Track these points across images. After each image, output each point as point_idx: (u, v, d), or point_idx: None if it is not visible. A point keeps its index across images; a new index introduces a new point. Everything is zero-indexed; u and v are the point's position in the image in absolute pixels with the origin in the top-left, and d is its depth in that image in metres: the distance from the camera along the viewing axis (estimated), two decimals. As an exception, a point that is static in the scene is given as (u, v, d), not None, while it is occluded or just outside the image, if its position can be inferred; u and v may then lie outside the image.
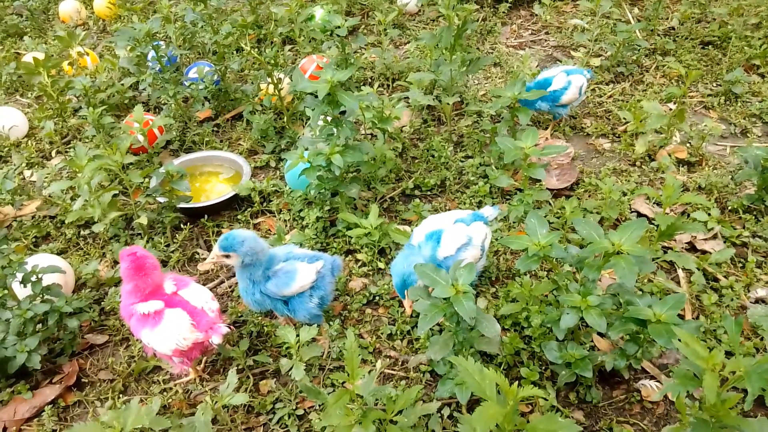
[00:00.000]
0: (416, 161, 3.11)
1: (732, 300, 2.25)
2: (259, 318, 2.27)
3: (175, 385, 2.07)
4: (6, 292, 2.08)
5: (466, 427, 1.58)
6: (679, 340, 1.47)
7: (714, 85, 3.61)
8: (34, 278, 2.08)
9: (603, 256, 1.81)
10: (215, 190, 2.98)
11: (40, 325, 2.12)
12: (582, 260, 1.92)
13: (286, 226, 2.73)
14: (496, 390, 1.46)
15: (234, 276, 2.53)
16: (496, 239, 2.59)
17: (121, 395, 2.04)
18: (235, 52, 3.91)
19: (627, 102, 3.50)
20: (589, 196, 2.83)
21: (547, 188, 2.67)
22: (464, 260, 2.01)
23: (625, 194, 2.79)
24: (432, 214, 2.46)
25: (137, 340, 2.09)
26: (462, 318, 1.79)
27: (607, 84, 3.72)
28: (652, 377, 2.05)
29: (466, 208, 2.78)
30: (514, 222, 2.65)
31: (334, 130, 2.46)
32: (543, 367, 2.06)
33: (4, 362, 2.00)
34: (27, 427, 1.97)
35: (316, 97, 2.34)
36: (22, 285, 2.07)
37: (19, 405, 2.00)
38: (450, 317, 1.79)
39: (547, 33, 4.45)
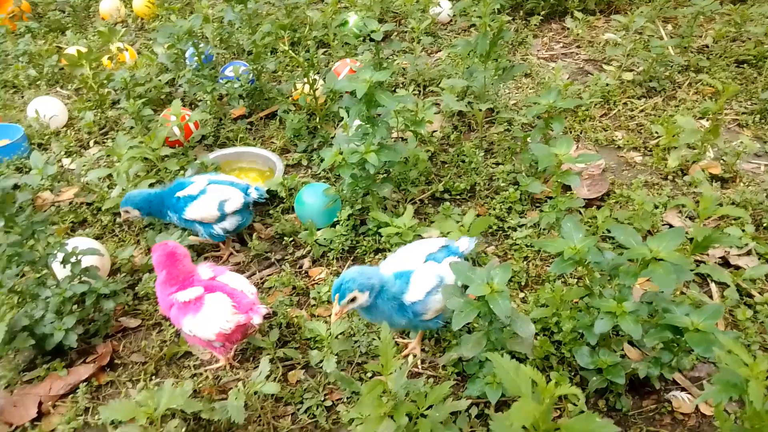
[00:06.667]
0: (446, 166, 3.12)
1: (767, 317, 2.22)
2: (289, 310, 2.29)
3: (205, 371, 2.10)
4: (46, 271, 2.13)
5: (497, 425, 1.57)
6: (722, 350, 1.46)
7: (749, 103, 3.58)
8: (73, 259, 2.12)
9: (640, 263, 1.80)
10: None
11: (76, 306, 2.16)
12: (617, 266, 1.92)
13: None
14: (531, 388, 1.46)
15: (266, 268, 2.56)
16: (527, 245, 2.59)
17: (153, 377, 2.07)
18: (269, 53, 3.99)
19: (659, 117, 3.49)
20: (620, 208, 2.81)
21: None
22: (433, 304, 1.89)
23: (656, 207, 2.78)
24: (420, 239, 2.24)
25: (178, 329, 2.11)
26: (495, 318, 1.81)
27: (639, 98, 3.71)
28: (683, 389, 2.02)
29: (495, 213, 2.79)
30: (544, 229, 2.65)
31: (370, 129, 2.49)
32: (572, 373, 2.05)
33: (42, 339, 2.05)
34: (61, 403, 2.00)
35: (354, 96, 2.38)
36: (61, 265, 2.12)
37: (54, 382, 2.04)
38: (483, 316, 1.80)
39: (578, 47, 4.46)
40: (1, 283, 2.04)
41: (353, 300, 1.79)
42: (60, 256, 2.10)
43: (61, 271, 2.19)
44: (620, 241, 1.84)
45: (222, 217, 2.44)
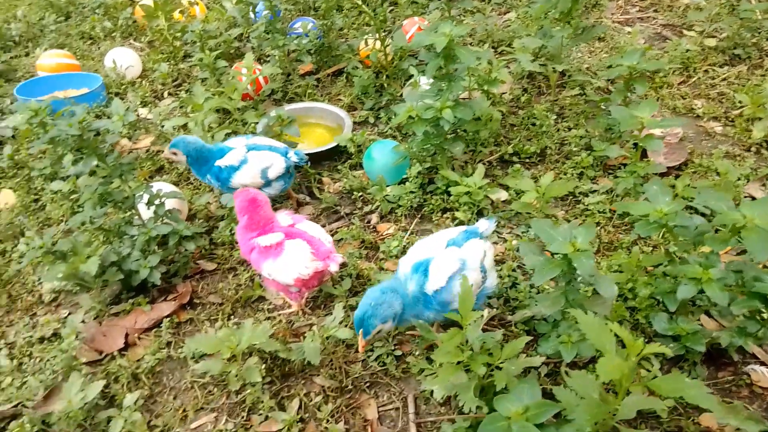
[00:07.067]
0: (515, 128, 3.06)
1: None
2: (359, 262, 2.33)
3: (279, 315, 2.17)
4: (133, 211, 2.22)
5: (575, 381, 1.57)
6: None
7: None
8: (157, 201, 2.21)
9: (730, 229, 1.74)
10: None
11: (157, 247, 2.26)
12: (702, 233, 1.85)
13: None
14: (615, 346, 1.45)
15: (335, 221, 2.60)
16: (599, 211, 2.53)
17: (230, 318, 2.16)
18: (336, 11, 3.97)
19: (743, 86, 3.30)
20: (700, 177, 2.70)
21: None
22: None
23: (738, 179, 2.66)
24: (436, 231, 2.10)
25: (257, 272, 2.18)
26: (574, 277, 1.79)
27: (721, 66, 3.51)
28: (762, 363, 1.96)
29: (566, 179, 2.74)
30: (617, 195, 2.58)
31: (445, 85, 2.46)
32: (646, 340, 2.01)
33: (129, 275, 2.15)
34: (145, 336, 2.12)
35: (432, 50, 2.34)
36: (146, 206, 2.21)
37: (139, 316, 2.15)
38: (563, 275, 1.78)
39: (655, 11, 4.25)
40: (91, 220, 2.15)
41: (379, 331, 1.75)
42: (145, 197, 2.19)
43: (144, 212, 2.29)
44: (710, 207, 1.78)
45: (267, 184, 2.45)
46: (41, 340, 2.14)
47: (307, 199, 2.71)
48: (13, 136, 3.14)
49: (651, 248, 2.38)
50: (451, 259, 1.81)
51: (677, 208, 1.81)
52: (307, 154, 2.81)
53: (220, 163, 2.41)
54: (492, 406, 1.63)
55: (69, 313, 2.24)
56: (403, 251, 2.41)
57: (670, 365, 1.96)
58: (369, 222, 2.59)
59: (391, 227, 2.55)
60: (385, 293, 1.74)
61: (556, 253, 1.76)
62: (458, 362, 1.63)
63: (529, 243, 1.90)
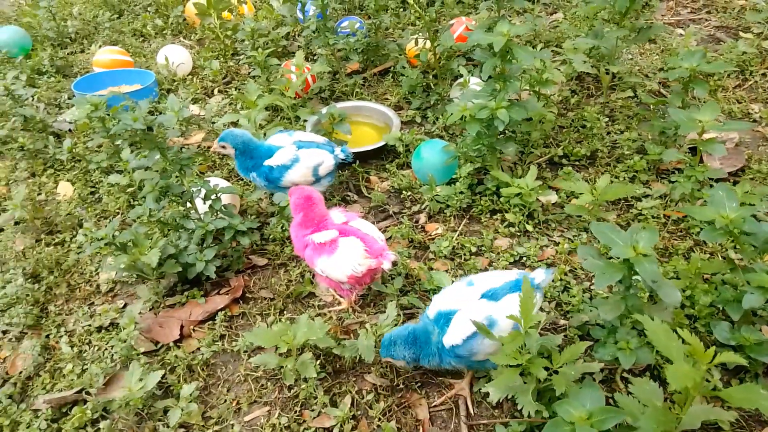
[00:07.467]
0: (564, 130, 3.02)
1: None
2: (409, 261, 2.33)
3: (329, 312, 2.18)
4: (190, 205, 2.27)
5: (638, 389, 1.54)
6: None
7: None
8: (214, 196, 2.25)
9: (802, 238, 1.68)
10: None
11: (211, 241, 2.29)
12: (769, 241, 1.80)
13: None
14: (683, 354, 1.42)
15: (383, 219, 2.61)
16: (654, 216, 2.48)
17: (281, 313, 2.18)
18: (383, 11, 3.97)
19: (804, 90, 3.19)
20: (759, 184, 2.62)
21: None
22: (481, 348, 1.68)
23: (801, 186, 2.57)
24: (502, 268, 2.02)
25: (311, 269, 2.20)
26: (633, 283, 1.75)
27: (780, 69, 3.40)
28: (829, 378, 1.89)
29: (618, 182, 2.68)
30: (672, 200, 2.52)
31: (500, 85, 2.44)
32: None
33: (185, 268, 2.20)
34: (199, 328, 2.16)
35: (489, 49, 2.33)
36: (203, 201, 2.25)
37: (194, 308, 2.19)
38: (623, 280, 1.74)
39: (708, 12, 4.13)
40: (150, 213, 2.20)
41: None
42: (203, 191, 2.23)
43: (200, 207, 2.33)
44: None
45: (317, 180, 2.47)
46: (99, 329, 2.20)
47: (355, 197, 2.72)
48: (70, 130, 3.24)
49: (708, 255, 2.32)
50: (477, 315, 1.67)
51: (746, 213, 1.76)
52: (354, 153, 2.84)
53: (270, 162, 2.42)
54: (551, 411, 1.61)
55: (125, 304, 2.30)
56: (453, 252, 2.41)
57: (729, 376, 1.91)
58: (417, 221, 2.59)
59: (439, 227, 2.54)
60: (408, 336, 1.77)
61: (611, 257, 1.73)
62: (517, 365, 1.62)
63: (589, 246, 1.87)
